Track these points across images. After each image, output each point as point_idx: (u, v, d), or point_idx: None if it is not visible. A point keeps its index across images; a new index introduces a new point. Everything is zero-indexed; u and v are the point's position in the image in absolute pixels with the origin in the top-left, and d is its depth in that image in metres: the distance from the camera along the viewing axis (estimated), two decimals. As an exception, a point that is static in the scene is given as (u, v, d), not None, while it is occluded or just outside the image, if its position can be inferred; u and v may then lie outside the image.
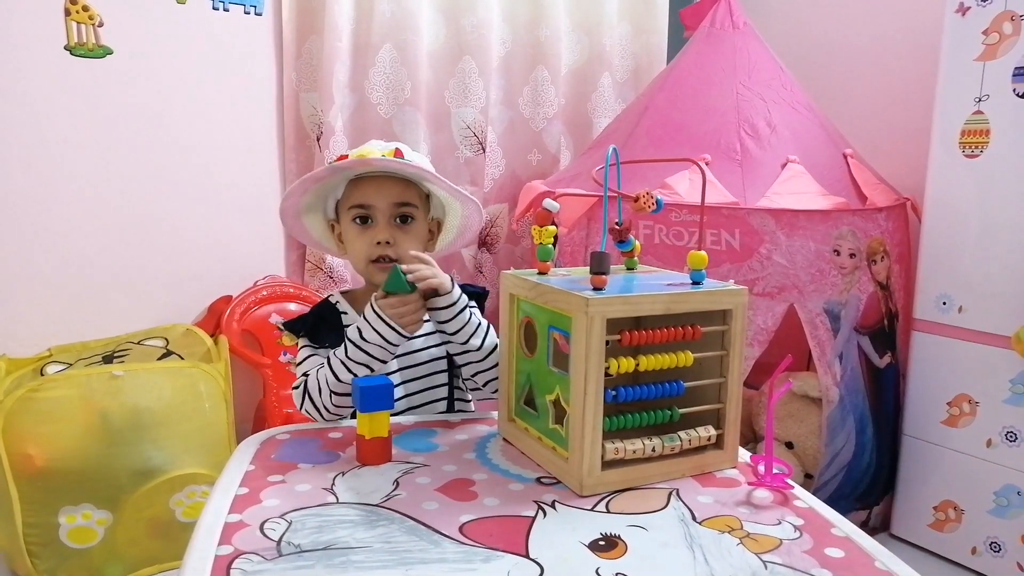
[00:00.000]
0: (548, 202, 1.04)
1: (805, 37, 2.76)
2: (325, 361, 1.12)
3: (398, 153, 1.17)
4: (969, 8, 1.89)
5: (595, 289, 0.91)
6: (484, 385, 1.20)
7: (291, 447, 1.04)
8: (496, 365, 1.13)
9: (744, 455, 1.01)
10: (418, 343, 1.22)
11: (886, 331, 2.07)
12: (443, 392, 1.24)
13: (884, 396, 2.08)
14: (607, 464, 0.91)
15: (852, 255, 1.97)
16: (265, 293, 2.37)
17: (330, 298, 1.26)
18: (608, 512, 0.86)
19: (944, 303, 1.97)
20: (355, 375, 1.08)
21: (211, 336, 2.17)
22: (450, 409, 1.25)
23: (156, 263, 2.23)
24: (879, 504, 2.15)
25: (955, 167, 1.93)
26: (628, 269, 1.10)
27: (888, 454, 2.11)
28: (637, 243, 1.10)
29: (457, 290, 1.14)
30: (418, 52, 2.46)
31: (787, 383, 1.04)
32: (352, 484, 0.92)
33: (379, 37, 2.40)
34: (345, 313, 1.23)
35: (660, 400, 0.95)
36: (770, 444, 0.93)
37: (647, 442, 0.93)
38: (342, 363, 1.09)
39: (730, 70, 2.28)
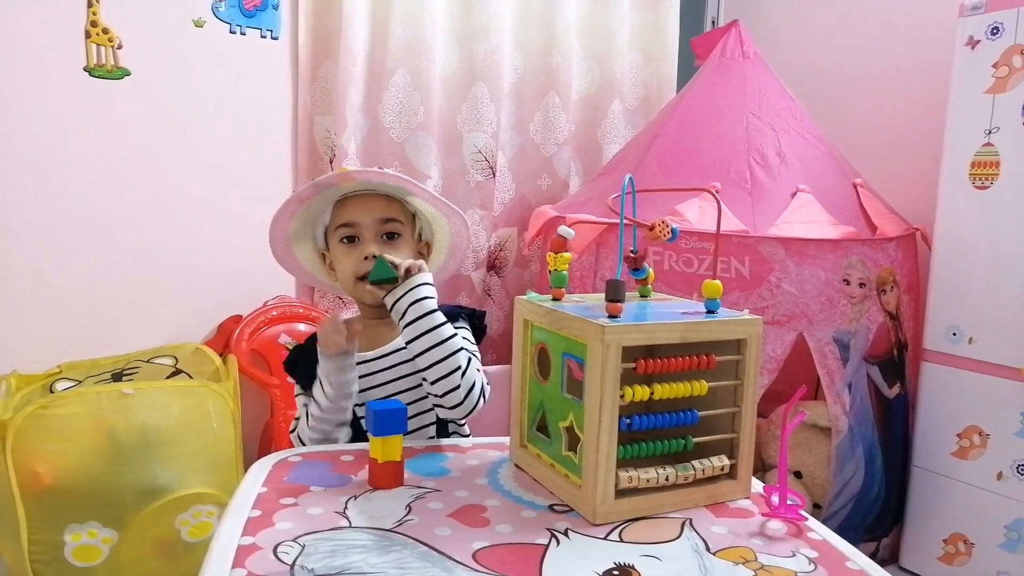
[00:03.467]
0: (563, 229, 1.05)
1: (815, 67, 2.78)
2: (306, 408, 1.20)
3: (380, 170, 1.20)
4: (979, 41, 1.91)
5: (610, 317, 0.91)
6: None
7: (303, 469, 1.04)
8: (448, 393, 1.12)
9: (757, 485, 1.01)
10: (406, 368, 1.22)
11: (895, 361, 2.06)
12: (432, 417, 1.23)
13: (893, 426, 2.07)
14: (620, 493, 0.91)
15: (862, 284, 1.97)
16: (275, 313, 2.37)
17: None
18: (621, 541, 0.86)
19: (954, 334, 1.97)
20: (321, 408, 1.17)
21: (220, 355, 2.17)
22: (442, 431, 1.25)
23: (167, 282, 2.24)
24: (888, 536, 2.14)
25: (965, 198, 1.94)
26: (642, 296, 1.10)
27: (897, 485, 2.10)
28: (651, 271, 1.10)
29: (422, 277, 1.13)
30: (431, 77, 2.49)
31: (800, 414, 1.04)
32: (364, 508, 0.92)
33: (393, 62, 2.43)
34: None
35: (674, 429, 0.95)
36: (783, 474, 0.93)
37: (661, 471, 0.93)
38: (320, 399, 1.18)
39: (740, 99, 2.30)
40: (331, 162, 2.41)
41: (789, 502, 0.93)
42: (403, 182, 1.19)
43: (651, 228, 1.02)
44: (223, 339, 2.28)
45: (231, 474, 1.96)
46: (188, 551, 1.85)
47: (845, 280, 1.96)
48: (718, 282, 0.98)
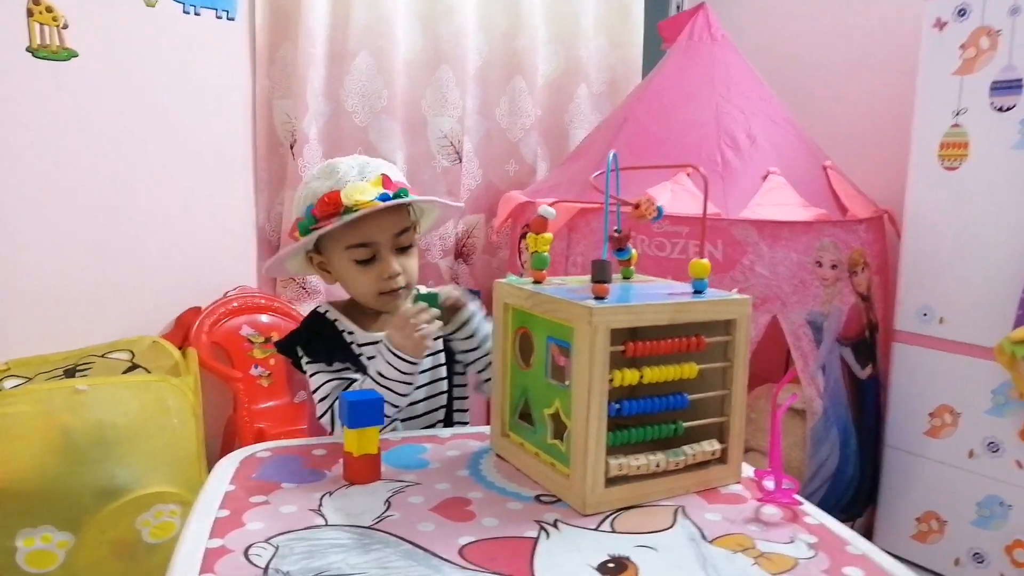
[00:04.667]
0: (544, 208, 1.01)
1: (782, 50, 2.77)
2: (347, 385, 1.11)
3: (387, 182, 1.12)
4: (946, 23, 1.91)
5: (597, 298, 0.87)
6: (487, 381, 1.18)
7: (273, 465, 0.98)
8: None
9: (748, 470, 0.98)
10: (429, 359, 1.19)
11: (868, 342, 2.07)
12: (443, 400, 1.22)
13: (866, 407, 2.07)
14: (610, 481, 0.87)
15: (834, 266, 1.97)
16: (236, 304, 2.29)
17: (318, 309, 1.21)
18: (614, 532, 0.82)
19: (925, 314, 1.98)
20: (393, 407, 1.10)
21: (179, 349, 2.10)
22: (448, 417, 1.22)
23: (121, 273, 2.14)
24: (862, 516, 2.15)
25: (934, 179, 1.94)
26: (625, 278, 1.06)
27: (871, 465, 2.10)
28: (634, 252, 1.06)
29: (474, 304, 1.19)
30: (395, 60, 2.42)
31: (792, 396, 1.01)
32: (341, 504, 0.86)
33: (355, 44, 2.36)
34: (336, 320, 1.18)
35: (663, 414, 0.91)
36: (777, 458, 0.90)
37: (651, 457, 0.89)
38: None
39: (709, 82, 2.27)
40: (292, 147, 2.33)
41: (784, 486, 0.90)
42: (427, 201, 1.19)
43: (636, 207, 0.98)
44: (182, 332, 2.19)
45: (193, 472, 1.89)
46: (150, 553, 1.78)
47: (817, 262, 1.95)
48: (706, 261, 0.94)
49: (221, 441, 2.27)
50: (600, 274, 0.88)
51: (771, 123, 2.20)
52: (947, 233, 1.93)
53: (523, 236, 2.36)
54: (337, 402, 1.07)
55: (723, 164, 2.09)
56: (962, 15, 1.88)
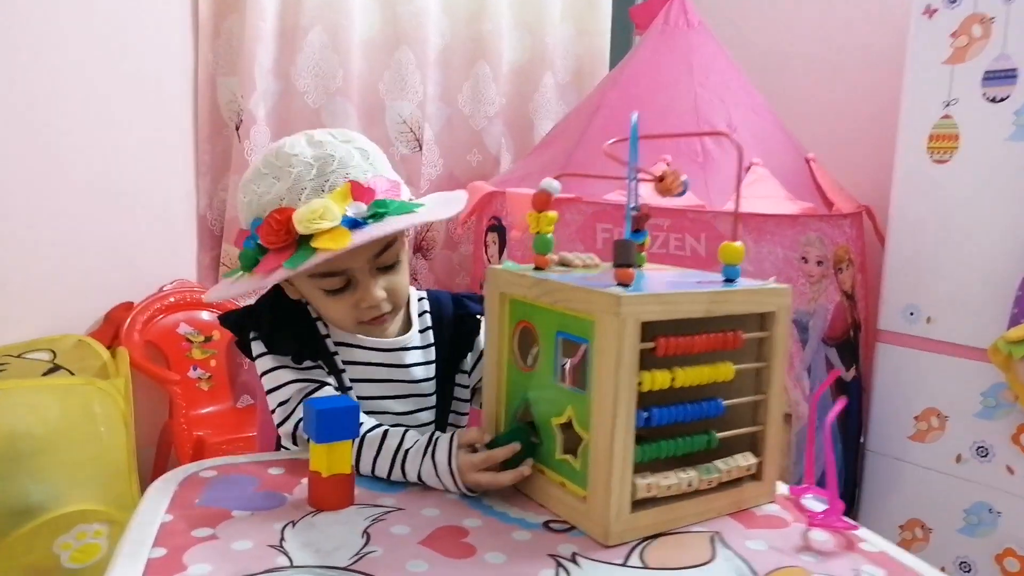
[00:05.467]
0: (548, 182, 0.86)
1: (760, 37, 2.67)
2: (314, 389, 0.91)
3: (357, 190, 0.85)
4: (936, 10, 1.83)
5: (620, 285, 0.73)
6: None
7: (220, 488, 0.81)
8: None
9: (781, 487, 0.85)
10: (420, 371, 1.01)
11: (852, 343, 1.98)
12: (431, 415, 1.02)
13: (850, 411, 1.99)
14: (635, 504, 0.73)
15: (819, 262, 1.87)
16: (173, 300, 2.09)
17: (286, 290, 0.96)
18: (646, 567, 0.68)
19: (911, 313, 1.90)
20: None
21: (108, 348, 1.89)
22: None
23: (42, 263, 1.91)
24: (842, 525, 2.06)
25: (922, 173, 1.86)
26: (636, 266, 0.92)
27: (855, 472, 2.02)
28: (648, 236, 0.93)
29: None
30: (351, 38, 2.25)
31: (840, 400, 0.89)
32: (308, 538, 0.70)
33: (308, 19, 2.17)
34: (309, 306, 0.96)
35: (695, 423, 0.77)
36: (832, 474, 0.77)
37: (683, 475, 0.75)
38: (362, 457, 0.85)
39: (686, 70, 2.16)
40: (237, 128, 2.13)
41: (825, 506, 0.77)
42: (414, 221, 0.90)
43: (660, 179, 0.84)
44: (111, 329, 1.98)
45: (123, 487, 1.70)
46: (70, 580, 1.57)
47: (803, 258, 1.86)
48: (739, 244, 0.81)
49: (155, 451, 2.05)
50: (624, 256, 0.74)
51: (752, 113, 2.10)
52: (935, 229, 1.85)
53: (490, 229, 2.21)
54: (301, 411, 0.89)
55: (704, 154, 1.97)
56: (953, 2, 1.80)
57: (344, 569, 0.65)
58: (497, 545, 0.70)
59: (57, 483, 1.60)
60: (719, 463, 0.78)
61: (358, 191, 0.86)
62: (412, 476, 0.83)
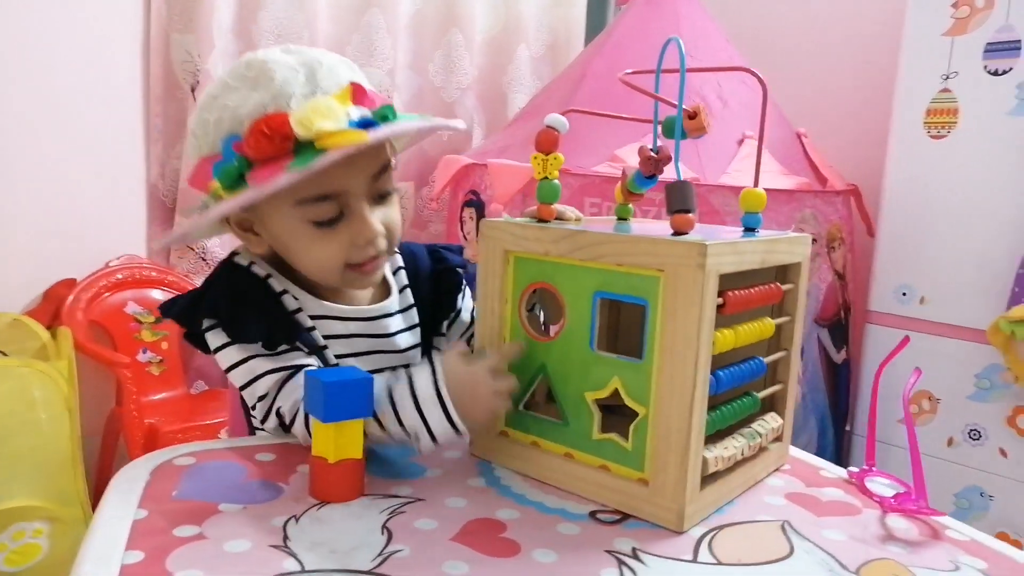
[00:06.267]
0: (554, 117, 0.73)
1: (749, 6, 2.60)
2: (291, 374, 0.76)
3: (359, 94, 0.74)
4: (935, -21, 1.78)
5: (676, 234, 0.63)
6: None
7: (200, 477, 0.68)
8: None
9: (833, 468, 0.77)
10: (405, 338, 0.89)
11: (843, 324, 1.93)
12: None
13: (841, 393, 1.94)
14: (703, 481, 0.63)
15: (813, 240, 1.81)
16: (120, 277, 1.91)
17: (237, 260, 0.83)
18: (719, 563, 0.57)
19: (904, 294, 1.85)
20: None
21: (48, 328, 1.71)
22: None
23: (-28, 235, 1.72)
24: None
25: (919, 148, 1.81)
26: (620, 219, 0.82)
27: (846, 455, 1.97)
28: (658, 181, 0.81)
29: None
30: (317, -3, 2.10)
31: (916, 372, 0.81)
32: (318, 536, 0.58)
33: (272, -27, 2.02)
34: (270, 278, 0.81)
35: (742, 386, 0.69)
36: (916, 455, 0.68)
37: (735, 444, 0.67)
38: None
39: (673, 39, 2.07)
40: (193, 90, 1.96)
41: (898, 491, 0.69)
42: (432, 124, 0.82)
43: (692, 116, 0.73)
44: (51, 308, 1.80)
45: (66, 480, 1.54)
46: (7, 585, 1.41)
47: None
48: (761, 191, 0.72)
49: (101, 441, 1.88)
50: (681, 200, 0.64)
51: (743, 85, 2.02)
52: (931, 206, 1.80)
53: (466, 204, 2.09)
54: (287, 396, 0.75)
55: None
56: (953, -28, 1.75)
57: (368, 573, 0.53)
58: (543, 540, 0.59)
59: (-9, 476, 1.44)
60: (756, 427, 0.70)
61: (359, 95, 0.73)
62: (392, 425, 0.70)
